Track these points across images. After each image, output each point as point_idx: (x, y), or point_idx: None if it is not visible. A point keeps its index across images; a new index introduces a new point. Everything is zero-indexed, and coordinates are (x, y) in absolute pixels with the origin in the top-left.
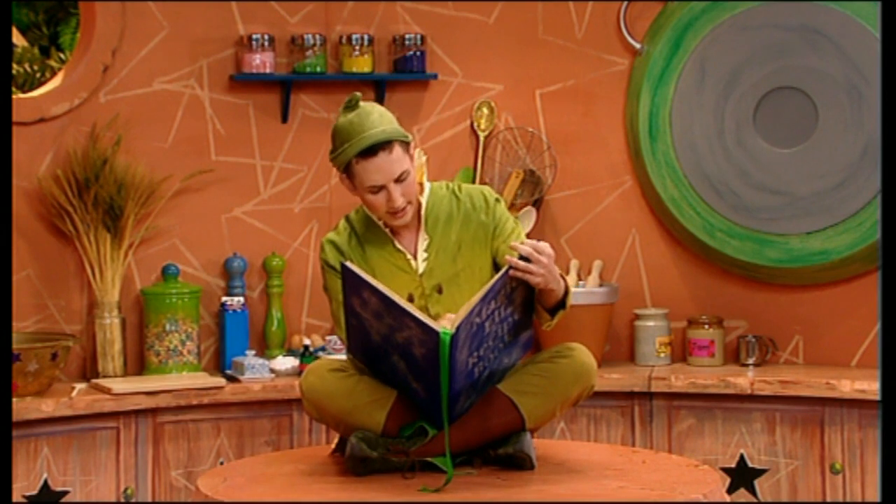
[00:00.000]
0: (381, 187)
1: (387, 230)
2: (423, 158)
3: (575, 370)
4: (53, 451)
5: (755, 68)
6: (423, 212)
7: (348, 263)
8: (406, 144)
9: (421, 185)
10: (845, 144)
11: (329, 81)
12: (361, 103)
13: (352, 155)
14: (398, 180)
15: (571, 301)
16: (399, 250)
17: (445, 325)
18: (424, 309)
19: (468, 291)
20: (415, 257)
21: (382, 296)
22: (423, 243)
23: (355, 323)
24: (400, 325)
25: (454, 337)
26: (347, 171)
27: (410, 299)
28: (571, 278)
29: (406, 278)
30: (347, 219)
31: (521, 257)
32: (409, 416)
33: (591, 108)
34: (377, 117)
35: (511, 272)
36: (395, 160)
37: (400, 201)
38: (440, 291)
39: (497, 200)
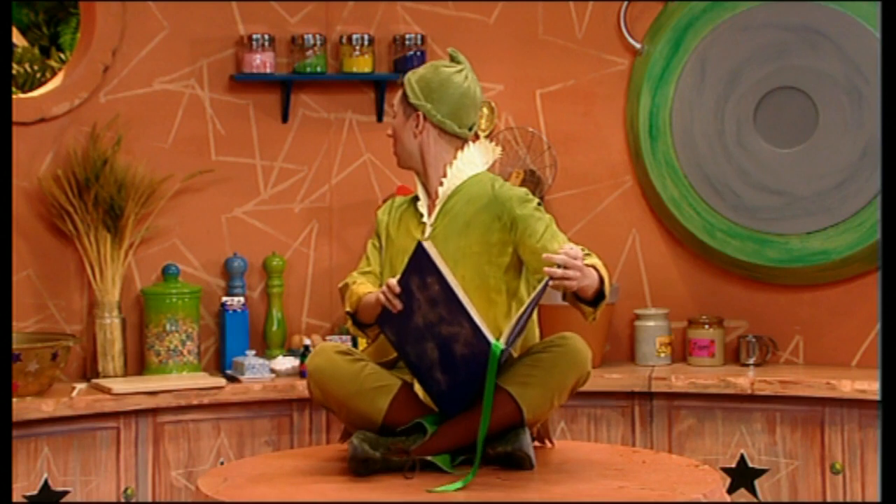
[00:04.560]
0: None
1: (420, 194)
2: (498, 152)
3: (569, 358)
4: (54, 451)
5: (755, 68)
6: (444, 187)
7: (426, 244)
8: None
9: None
10: (845, 144)
11: (329, 81)
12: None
13: (455, 124)
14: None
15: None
16: (419, 211)
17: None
18: None
19: (463, 269)
20: (428, 222)
21: (447, 287)
22: (436, 210)
23: (403, 300)
24: (452, 320)
25: (503, 351)
26: (428, 118)
27: None
28: None
29: (415, 237)
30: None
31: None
32: (413, 406)
33: (591, 108)
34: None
35: (551, 282)
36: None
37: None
38: None
39: (527, 200)
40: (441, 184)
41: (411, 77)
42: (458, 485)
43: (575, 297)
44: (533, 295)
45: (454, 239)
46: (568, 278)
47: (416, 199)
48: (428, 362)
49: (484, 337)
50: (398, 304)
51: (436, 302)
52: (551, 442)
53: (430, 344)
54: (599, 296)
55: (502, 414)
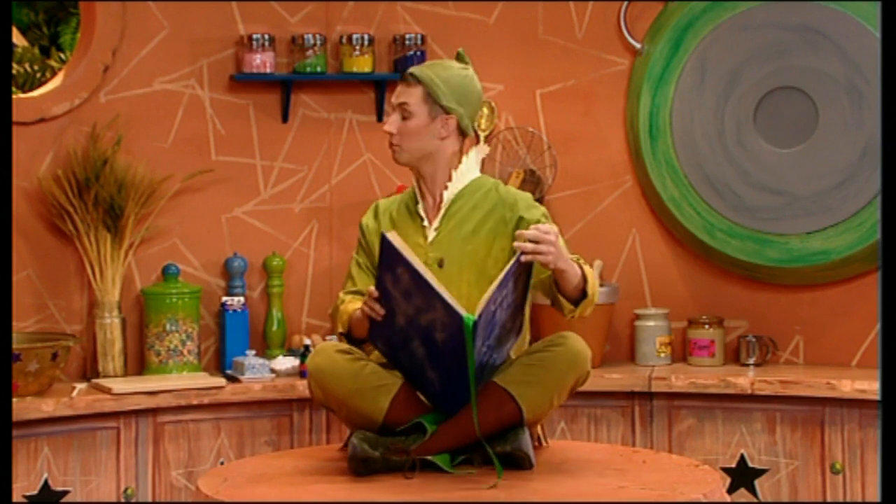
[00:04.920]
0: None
1: (419, 197)
2: (486, 151)
3: (569, 357)
4: (54, 451)
5: (755, 68)
6: (450, 191)
7: (389, 234)
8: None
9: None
10: (845, 144)
11: (329, 81)
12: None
13: (473, 127)
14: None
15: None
16: (420, 215)
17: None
18: None
19: (468, 274)
20: (430, 226)
21: (415, 272)
22: (441, 214)
23: (384, 304)
24: (426, 307)
25: (476, 323)
26: (459, 122)
27: None
28: None
29: (415, 242)
30: (405, 192)
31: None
32: (413, 405)
33: (591, 108)
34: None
35: (523, 257)
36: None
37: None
38: (441, 265)
39: (534, 206)
40: (446, 187)
41: (434, 78)
42: (500, 470)
43: (556, 289)
44: (505, 269)
45: (459, 243)
46: (540, 252)
47: (415, 201)
48: (418, 363)
49: (454, 311)
50: (380, 310)
51: (410, 293)
52: (539, 442)
53: (415, 342)
54: (583, 295)
55: (502, 413)
